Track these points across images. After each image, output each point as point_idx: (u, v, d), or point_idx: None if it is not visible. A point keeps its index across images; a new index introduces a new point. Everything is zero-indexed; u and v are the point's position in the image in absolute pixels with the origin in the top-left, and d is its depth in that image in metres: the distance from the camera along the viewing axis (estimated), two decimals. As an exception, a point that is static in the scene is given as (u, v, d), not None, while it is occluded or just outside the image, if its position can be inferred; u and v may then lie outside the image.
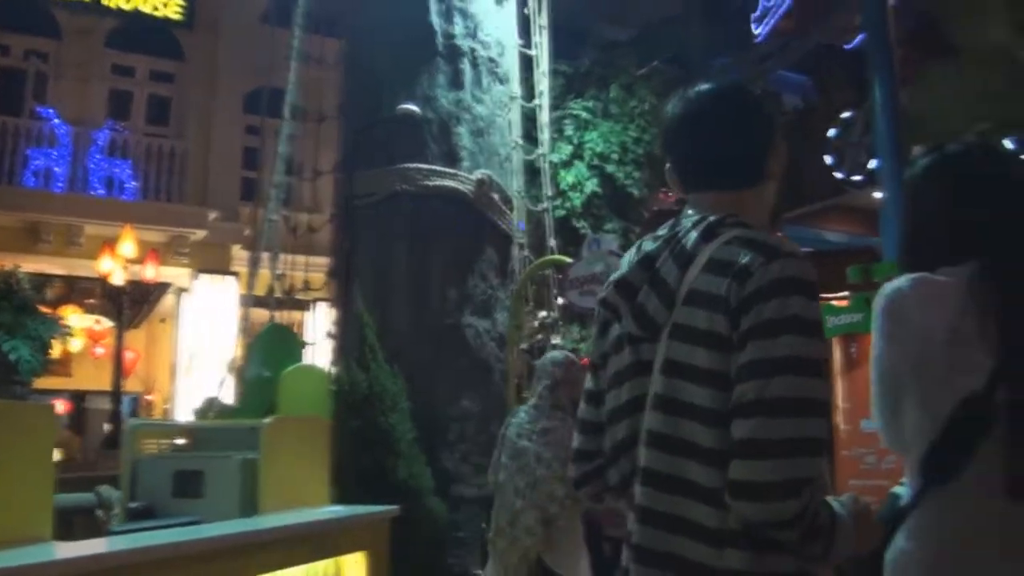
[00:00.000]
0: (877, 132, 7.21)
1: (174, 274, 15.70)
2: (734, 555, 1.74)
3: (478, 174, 7.51)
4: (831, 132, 12.02)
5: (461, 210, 7.42)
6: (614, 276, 2.05)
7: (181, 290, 16.07)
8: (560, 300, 8.33)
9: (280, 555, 3.72)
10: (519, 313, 7.99)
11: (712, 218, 1.91)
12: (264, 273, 8.16)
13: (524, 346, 8.41)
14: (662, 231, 2.01)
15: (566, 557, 4.77)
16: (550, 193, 9.83)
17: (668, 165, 2.11)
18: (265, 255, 7.94)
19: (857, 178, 11.66)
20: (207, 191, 16.40)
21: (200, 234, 15.73)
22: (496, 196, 7.68)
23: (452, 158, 7.52)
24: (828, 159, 12.08)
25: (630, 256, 2.05)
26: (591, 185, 12.77)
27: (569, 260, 7.57)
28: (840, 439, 6.77)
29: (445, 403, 7.07)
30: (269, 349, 6.84)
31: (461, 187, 7.39)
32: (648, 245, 2.00)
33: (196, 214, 15.76)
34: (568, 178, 12.74)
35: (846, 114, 11.81)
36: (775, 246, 1.81)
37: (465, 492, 6.93)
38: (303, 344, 7.41)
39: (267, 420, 4.20)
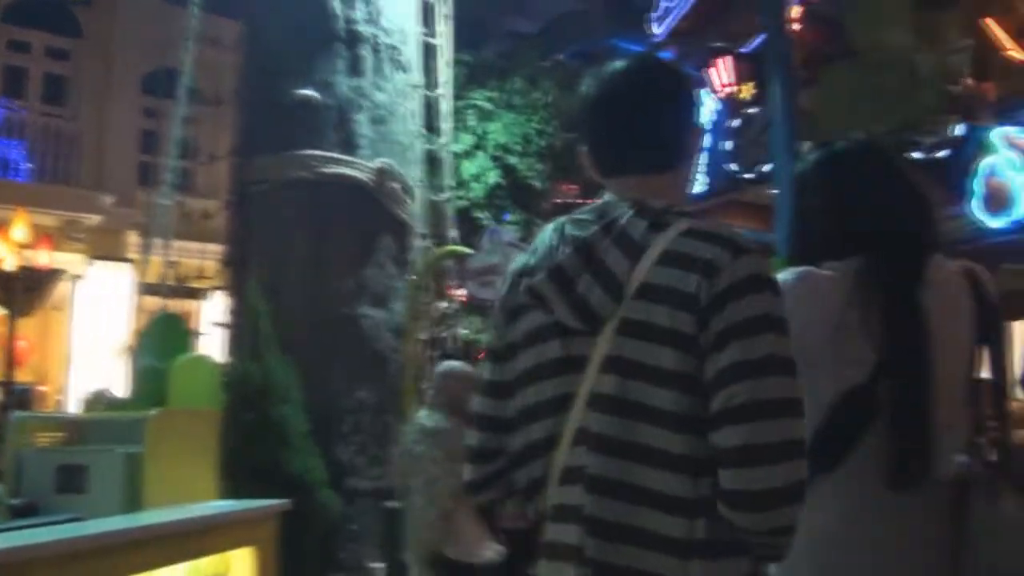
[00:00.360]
0: (773, 131, 7.28)
1: (68, 260, 15.21)
2: (699, 565, 1.64)
3: (378, 163, 7.39)
4: (734, 122, 12.07)
5: (360, 199, 7.28)
6: (541, 262, 1.85)
7: (75, 277, 15.61)
8: (459, 291, 8.27)
9: (163, 552, 3.63)
10: (417, 304, 7.93)
11: (655, 205, 1.79)
12: (158, 260, 7.94)
13: (423, 336, 8.33)
14: (585, 215, 1.86)
15: (470, 546, 4.72)
16: (451, 183, 9.79)
17: (584, 148, 1.96)
18: (158, 241, 7.72)
19: (750, 176, 11.75)
20: (103, 175, 15.98)
21: (95, 219, 15.34)
22: (396, 185, 7.56)
23: (351, 146, 7.38)
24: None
25: (550, 241, 1.87)
26: (493, 176, 12.76)
27: (469, 251, 7.51)
28: None
29: (340, 394, 6.95)
30: (160, 339, 6.69)
31: (360, 175, 7.27)
32: (575, 230, 1.83)
33: (91, 198, 15.36)
34: (470, 169, 12.70)
35: (751, 110, 11.88)
36: (737, 241, 1.73)
37: (359, 485, 6.82)
38: (195, 334, 7.24)
39: (152, 413, 4.07)
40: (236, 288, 7.22)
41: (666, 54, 13.19)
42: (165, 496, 4.03)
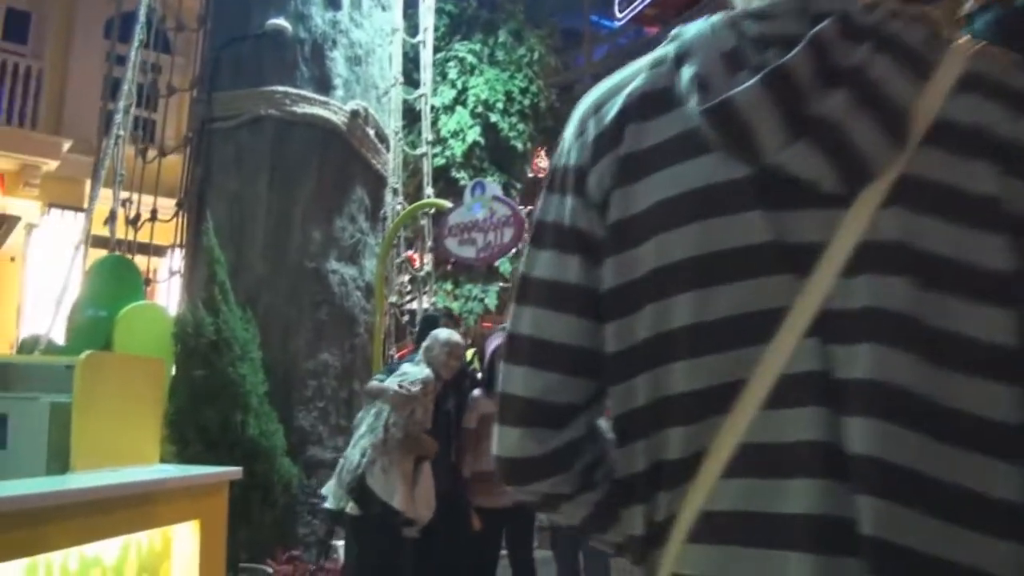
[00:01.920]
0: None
1: (22, 207, 14.51)
2: None
3: (353, 105, 6.80)
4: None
5: (332, 143, 6.72)
6: (705, 73, 1.02)
7: (31, 226, 14.88)
8: (430, 254, 7.76)
9: (92, 523, 3.08)
10: (389, 263, 7.37)
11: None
12: (115, 210, 7.31)
13: (393, 299, 7.80)
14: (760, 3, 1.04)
15: (386, 485, 4.61)
16: (430, 138, 9.25)
17: None
18: (112, 188, 7.12)
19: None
20: (63, 119, 15.21)
21: (52, 165, 14.59)
22: (371, 132, 7.01)
23: (325, 85, 6.79)
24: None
25: (712, 34, 1.05)
26: (473, 134, 12.17)
27: (449, 204, 6.96)
28: None
29: (303, 355, 6.43)
30: (106, 284, 6.09)
31: (333, 117, 6.68)
32: (769, 27, 1.02)
33: (49, 143, 14.60)
34: (450, 124, 12.13)
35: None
36: None
37: (322, 455, 6.35)
38: (145, 280, 6.64)
39: (83, 355, 3.46)
40: (192, 234, 6.63)
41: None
42: (97, 457, 3.47)
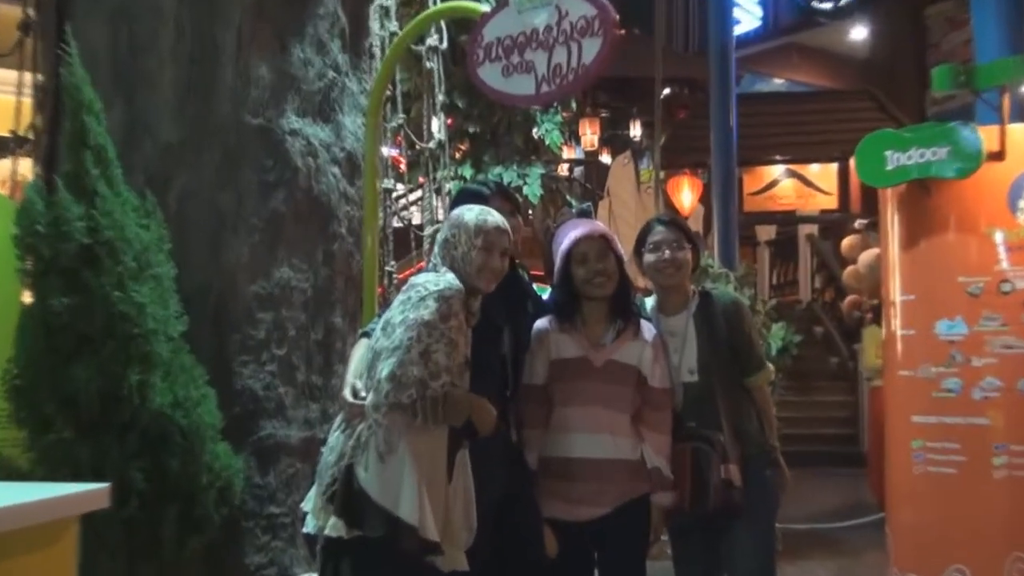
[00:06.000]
0: None
1: None
2: None
3: None
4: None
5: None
6: None
7: None
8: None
9: None
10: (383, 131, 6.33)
11: None
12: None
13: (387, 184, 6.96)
14: None
15: (385, 480, 3.65)
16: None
17: None
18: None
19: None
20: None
21: None
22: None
23: None
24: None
25: None
26: None
27: (484, 8, 5.47)
28: (896, 351, 5.78)
29: (247, 272, 5.21)
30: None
31: None
32: None
33: None
34: None
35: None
36: None
37: (285, 435, 5.24)
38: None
39: None
40: (48, 71, 5.37)
41: None
42: None
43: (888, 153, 5.53)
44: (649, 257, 4.42)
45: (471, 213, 3.89)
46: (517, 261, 4.46)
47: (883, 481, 6.04)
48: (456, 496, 3.70)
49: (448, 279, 3.69)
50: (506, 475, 4.08)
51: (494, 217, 3.89)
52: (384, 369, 3.52)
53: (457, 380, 3.61)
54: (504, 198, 4.45)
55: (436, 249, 3.94)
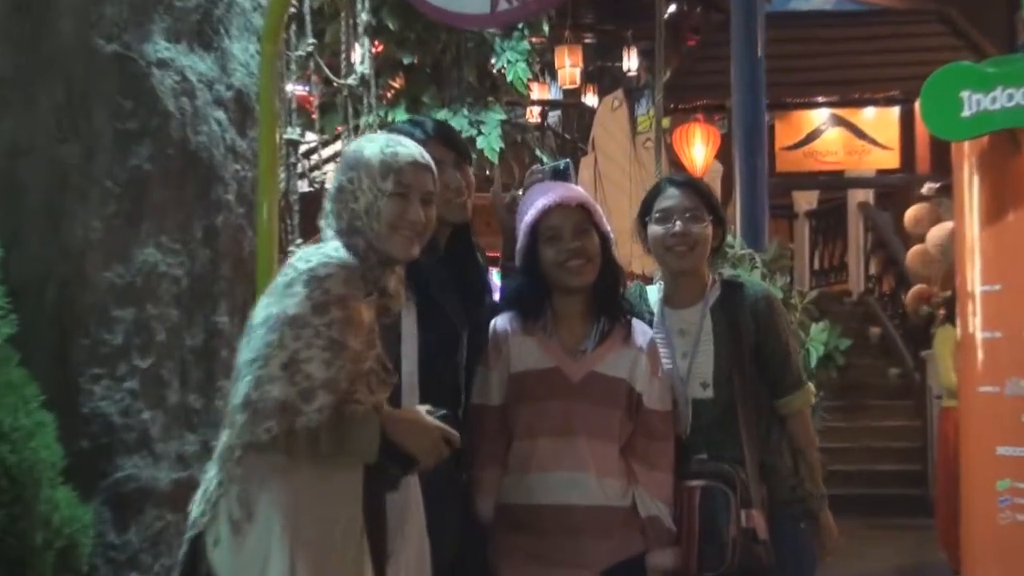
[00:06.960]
0: None
1: None
2: None
3: None
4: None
5: None
6: None
7: None
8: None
9: None
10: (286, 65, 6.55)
11: None
12: None
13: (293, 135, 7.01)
14: None
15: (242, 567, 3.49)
16: None
17: None
18: None
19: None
20: None
21: None
22: None
23: None
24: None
25: None
26: None
27: None
28: (976, 360, 5.77)
29: (100, 254, 5.28)
30: None
31: None
32: None
33: None
34: None
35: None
36: None
37: (152, 477, 5.32)
38: None
39: None
40: None
41: None
42: None
43: (965, 94, 5.47)
44: (656, 229, 4.35)
45: (373, 146, 3.62)
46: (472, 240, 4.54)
47: (957, 534, 6.02)
48: (402, 570, 3.61)
49: (329, 250, 3.43)
50: (461, 525, 4.12)
51: (407, 148, 3.62)
52: (236, 394, 3.29)
53: (376, 393, 3.44)
54: (446, 144, 4.44)
55: (327, 205, 3.66)
